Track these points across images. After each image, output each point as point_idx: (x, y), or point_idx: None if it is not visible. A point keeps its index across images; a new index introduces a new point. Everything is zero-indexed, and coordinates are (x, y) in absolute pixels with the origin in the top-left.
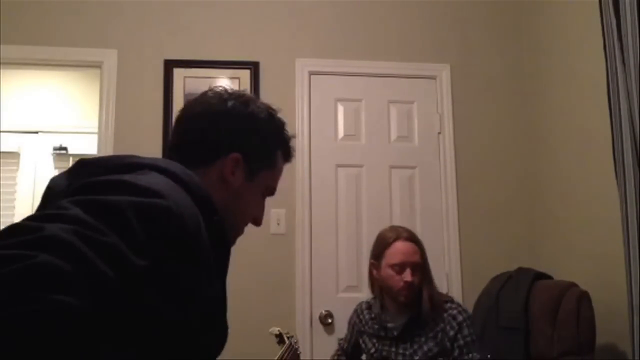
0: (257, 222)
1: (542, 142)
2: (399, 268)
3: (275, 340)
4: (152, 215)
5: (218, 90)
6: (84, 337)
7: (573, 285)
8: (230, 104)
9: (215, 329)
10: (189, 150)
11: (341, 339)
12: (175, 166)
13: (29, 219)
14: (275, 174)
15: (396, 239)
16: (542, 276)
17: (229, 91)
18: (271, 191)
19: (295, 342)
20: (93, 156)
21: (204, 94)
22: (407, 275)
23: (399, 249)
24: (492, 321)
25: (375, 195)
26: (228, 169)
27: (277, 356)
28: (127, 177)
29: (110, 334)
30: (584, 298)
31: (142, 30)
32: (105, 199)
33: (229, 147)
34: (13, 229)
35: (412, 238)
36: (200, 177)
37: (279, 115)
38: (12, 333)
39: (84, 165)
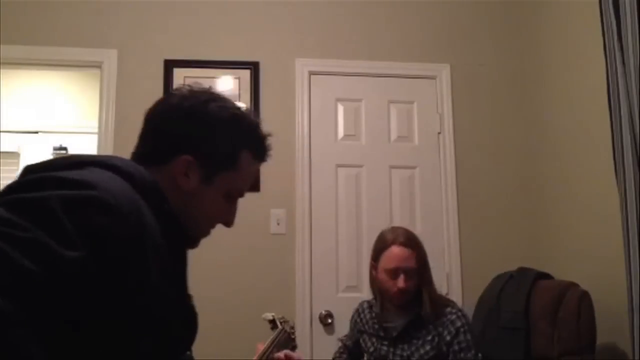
0: (226, 224)
1: (542, 142)
2: (393, 273)
3: (269, 326)
4: (81, 207)
5: (183, 90)
6: (12, 338)
7: (574, 285)
8: (187, 103)
9: (175, 317)
10: (143, 150)
11: (343, 337)
12: (118, 160)
13: None
14: (241, 176)
15: (392, 243)
16: (543, 276)
17: (194, 89)
18: (239, 193)
19: (291, 327)
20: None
21: (170, 93)
22: (401, 282)
23: (393, 255)
24: (492, 321)
25: (375, 195)
26: (178, 171)
27: (268, 341)
28: (58, 172)
29: (42, 332)
30: (584, 298)
31: (142, 30)
32: (29, 195)
33: (180, 149)
34: None
35: (409, 243)
36: (153, 174)
37: (250, 115)
38: None
39: (30, 171)
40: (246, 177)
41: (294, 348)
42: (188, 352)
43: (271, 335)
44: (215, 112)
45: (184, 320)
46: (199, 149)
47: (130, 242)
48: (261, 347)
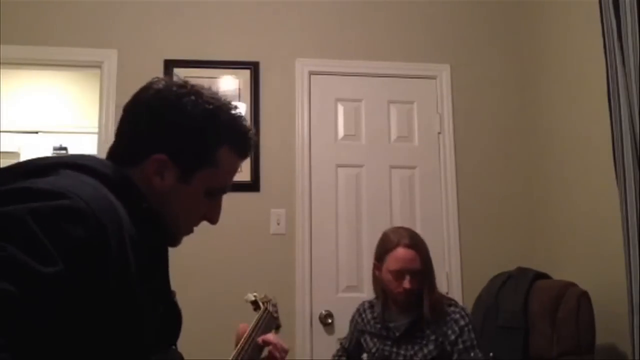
0: (210, 221)
1: (542, 142)
2: (398, 275)
3: (251, 308)
4: (55, 218)
5: (158, 84)
6: None
7: (572, 285)
8: (159, 98)
9: (156, 314)
10: (118, 148)
11: (342, 339)
12: (91, 159)
13: None
14: (222, 173)
15: (397, 244)
16: (541, 276)
17: (168, 83)
18: (220, 190)
19: (273, 306)
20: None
21: (145, 86)
22: (406, 283)
23: (399, 256)
24: (491, 321)
25: (375, 195)
26: (152, 171)
27: (252, 324)
28: (27, 183)
29: (24, 356)
30: (583, 298)
31: (142, 30)
32: (1, 210)
33: (153, 147)
34: None
35: (414, 244)
36: (129, 172)
37: (230, 108)
38: None
39: None
40: (227, 173)
41: (278, 327)
42: (173, 347)
43: (255, 316)
44: (189, 109)
45: (166, 316)
46: (171, 147)
47: (107, 250)
48: (244, 327)
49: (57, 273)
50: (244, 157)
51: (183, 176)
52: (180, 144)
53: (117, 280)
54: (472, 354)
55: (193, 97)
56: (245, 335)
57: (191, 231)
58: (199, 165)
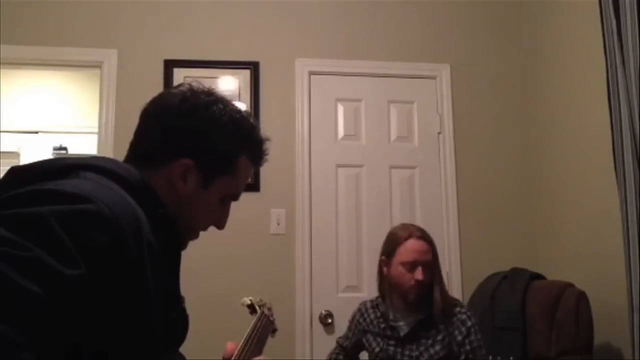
0: (219, 226)
1: (542, 141)
2: (411, 266)
3: (247, 311)
4: (79, 222)
5: (184, 88)
6: None
7: (571, 285)
8: (188, 105)
9: (168, 321)
10: (139, 150)
11: (339, 338)
12: (111, 162)
13: None
14: (238, 181)
15: (409, 237)
16: (536, 276)
17: (195, 89)
18: (234, 197)
19: (269, 310)
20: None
21: (168, 90)
22: (419, 274)
23: (411, 247)
24: (487, 322)
25: (375, 195)
26: (176, 175)
27: (249, 329)
28: (51, 184)
29: (49, 351)
30: (582, 298)
31: (142, 30)
32: (26, 211)
33: (180, 152)
34: None
35: (425, 237)
36: (148, 174)
37: (250, 117)
38: None
39: (15, 173)
40: (242, 181)
41: (274, 331)
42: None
43: (252, 320)
44: (218, 116)
45: (176, 323)
46: (200, 153)
47: (126, 255)
48: (232, 346)
49: (80, 276)
50: (256, 166)
51: (204, 182)
52: (207, 151)
53: (134, 286)
54: (479, 354)
55: (221, 106)
56: (245, 336)
57: (198, 236)
58: (221, 173)
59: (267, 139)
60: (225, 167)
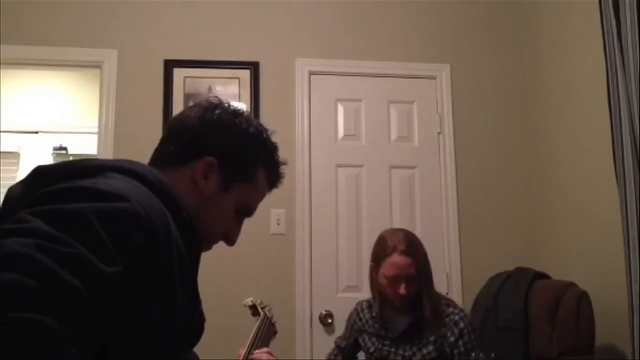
0: (229, 239)
1: (542, 142)
2: (394, 280)
3: (249, 312)
4: (117, 220)
5: (211, 98)
6: (58, 355)
7: (572, 285)
8: (216, 111)
9: (190, 323)
10: (164, 152)
11: (337, 339)
12: (137, 165)
13: None
14: (254, 192)
15: (393, 251)
16: (540, 276)
17: (222, 100)
18: (248, 211)
19: (269, 311)
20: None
21: (198, 101)
22: (402, 289)
23: (394, 263)
24: (490, 321)
25: (375, 195)
26: (200, 172)
27: (253, 331)
28: (87, 182)
29: (85, 352)
30: (583, 298)
31: (142, 30)
32: (67, 207)
33: (205, 149)
34: None
35: (410, 250)
36: (171, 176)
37: (274, 138)
38: None
39: (41, 172)
40: (258, 195)
41: (275, 333)
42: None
43: (255, 320)
44: (245, 125)
45: (196, 324)
46: (224, 153)
47: (158, 255)
48: (242, 352)
49: (118, 274)
50: (271, 187)
51: (224, 184)
52: (232, 153)
53: (165, 284)
54: (472, 355)
55: (248, 118)
56: (250, 339)
57: (210, 248)
58: (241, 178)
59: (285, 163)
60: (246, 174)
